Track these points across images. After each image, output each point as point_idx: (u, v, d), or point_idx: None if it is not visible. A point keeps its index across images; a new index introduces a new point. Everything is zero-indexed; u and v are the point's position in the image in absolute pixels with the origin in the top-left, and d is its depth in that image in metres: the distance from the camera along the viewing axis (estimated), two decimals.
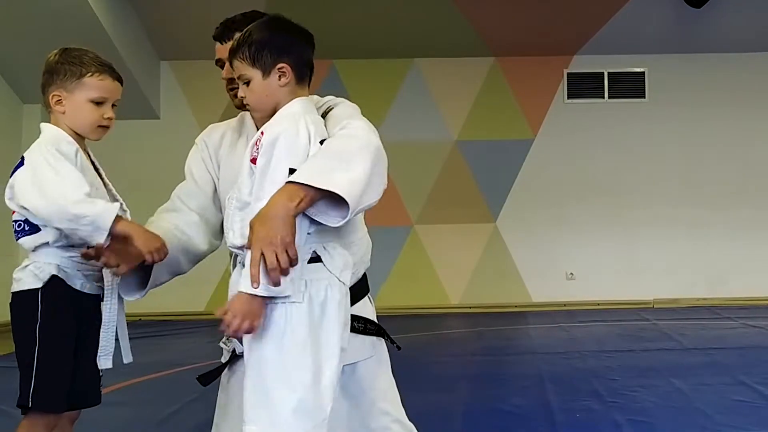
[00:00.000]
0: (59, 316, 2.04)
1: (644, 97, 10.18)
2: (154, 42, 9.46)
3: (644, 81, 10.17)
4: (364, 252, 2.20)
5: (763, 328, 7.34)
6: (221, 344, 2.18)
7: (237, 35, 2.06)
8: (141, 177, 8.47)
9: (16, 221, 2.07)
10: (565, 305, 9.67)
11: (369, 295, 2.23)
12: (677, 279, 9.78)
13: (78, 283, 2.08)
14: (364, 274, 2.22)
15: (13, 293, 2.08)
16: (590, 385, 4.67)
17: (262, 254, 1.73)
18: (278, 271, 1.74)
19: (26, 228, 2.06)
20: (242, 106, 2.08)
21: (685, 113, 10.08)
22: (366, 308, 2.19)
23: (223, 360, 2.18)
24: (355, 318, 2.07)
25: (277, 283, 1.75)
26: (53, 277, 2.05)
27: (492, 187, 10.02)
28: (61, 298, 2.05)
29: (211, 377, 2.15)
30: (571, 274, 9.94)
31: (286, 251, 1.74)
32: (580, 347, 6.42)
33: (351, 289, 2.03)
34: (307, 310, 1.82)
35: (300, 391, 1.78)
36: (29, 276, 2.06)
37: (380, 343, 2.21)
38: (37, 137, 2.11)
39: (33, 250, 2.08)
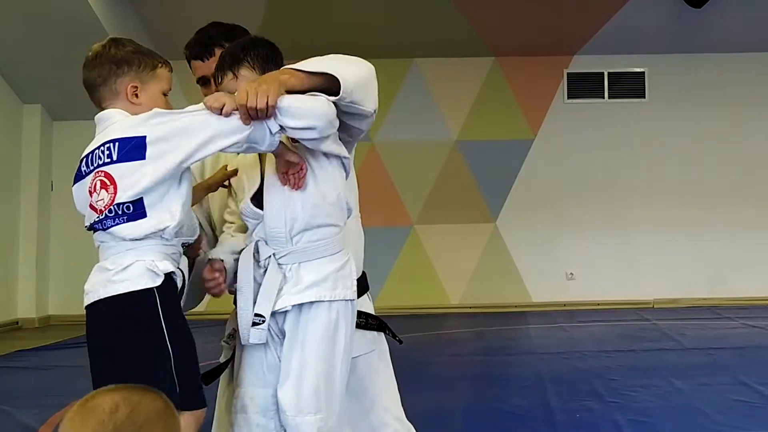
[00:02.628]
0: (179, 313, 1.92)
1: (644, 97, 10.17)
2: (154, 42, 9.45)
3: (644, 81, 10.16)
4: (348, 235, 2.21)
5: (763, 328, 7.34)
6: (222, 342, 2.18)
7: (218, 51, 2.15)
8: None
9: (121, 203, 1.88)
10: (565, 305, 9.66)
11: (368, 293, 2.25)
12: (677, 279, 9.77)
13: (178, 279, 1.95)
14: (363, 272, 2.23)
15: (113, 297, 1.86)
16: (590, 385, 4.68)
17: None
18: (249, 110, 1.80)
19: (133, 212, 1.88)
20: None
21: (685, 113, 10.08)
22: (365, 304, 2.21)
23: (223, 359, 2.18)
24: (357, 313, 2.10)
25: (245, 122, 1.82)
26: (168, 274, 1.89)
27: (492, 187, 10.02)
28: (172, 293, 1.91)
29: (211, 376, 2.15)
30: (571, 274, 9.93)
31: (267, 97, 1.79)
32: (580, 347, 6.42)
33: None
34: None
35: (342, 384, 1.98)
36: (141, 274, 1.86)
37: (381, 339, 2.22)
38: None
39: (134, 240, 1.89)
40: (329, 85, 1.93)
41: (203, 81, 2.23)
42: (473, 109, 10.12)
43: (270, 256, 1.95)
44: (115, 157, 1.89)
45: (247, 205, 1.99)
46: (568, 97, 10.17)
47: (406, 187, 9.92)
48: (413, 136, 9.80)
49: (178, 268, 1.94)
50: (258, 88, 1.82)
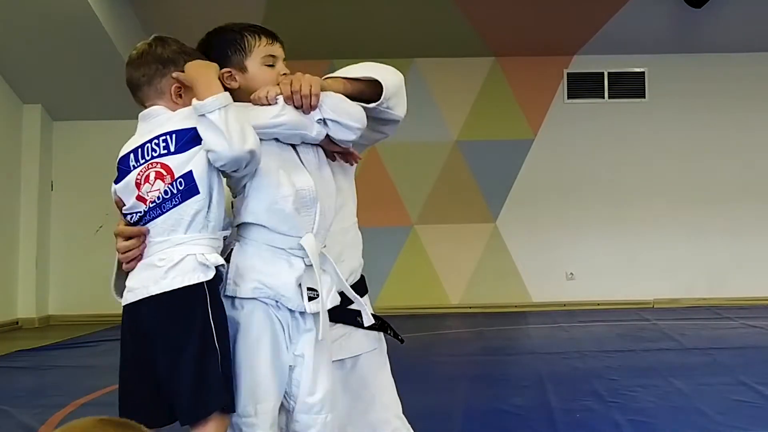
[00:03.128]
0: (223, 308, 1.89)
1: (644, 97, 10.17)
2: None
3: (644, 81, 10.16)
4: (350, 243, 2.22)
5: (763, 328, 7.34)
6: None
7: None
8: None
9: (174, 181, 1.86)
10: (565, 305, 9.67)
11: (367, 295, 2.26)
12: (677, 279, 9.78)
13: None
14: (362, 276, 2.24)
15: (167, 293, 1.83)
16: (590, 385, 4.67)
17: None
18: (294, 94, 1.92)
19: (185, 187, 1.87)
20: None
21: (685, 113, 10.08)
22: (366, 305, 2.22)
23: None
24: (358, 313, 2.13)
25: (299, 105, 1.94)
26: (218, 267, 1.87)
27: (492, 187, 10.02)
28: (217, 287, 1.88)
29: None
30: (571, 274, 9.93)
31: (311, 86, 1.93)
32: (580, 347, 6.42)
33: (351, 287, 2.11)
34: None
35: None
36: (194, 268, 1.83)
37: (381, 338, 2.24)
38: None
39: (184, 233, 1.87)
40: (369, 90, 2.06)
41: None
42: (473, 109, 10.12)
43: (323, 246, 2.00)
44: (172, 149, 1.90)
45: (309, 188, 1.97)
46: (568, 97, 10.17)
47: (406, 187, 9.93)
48: (413, 136, 9.78)
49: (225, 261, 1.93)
50: (302, 78, 1.95)
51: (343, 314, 2.13)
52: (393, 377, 2.25)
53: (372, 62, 2.18)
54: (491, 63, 10.15)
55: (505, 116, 10.11)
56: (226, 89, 1.97)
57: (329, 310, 1.99)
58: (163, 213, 1.89)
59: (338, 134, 2.00)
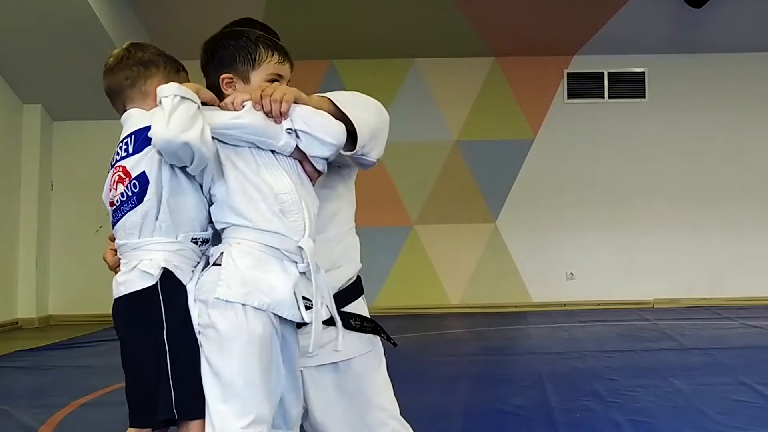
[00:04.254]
0: (186, 314, 1.93)
1: (644, 97, 10.17)
2: (154, 42, 9.45)
3: (644, 81, 10.16)
4: (346, 248, 2.22)
5: (763, 328, 7.34)
6: None
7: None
8: None
9: (129, 183, 1.90)
10: (565, 305, 9.67)
11: (363, 296, 2.27)
12: (677, 279, 9.78)
13: (184, 276, 1.94)
14: (359, 276, 2.24)
15: (120, 297, 1.91)
16: (590, 385, 4.67)
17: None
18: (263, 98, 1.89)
19: (139, 189, 1.89)
20: None
21: (685, 113, 10.08)
22: (360, 307, 2.22)
23: None
24: (351, 316, 2.14)
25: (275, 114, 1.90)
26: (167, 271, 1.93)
27: (492, 187, 10.02)
28: (177, 292, 1.92)
29: None
30: (571, 274, 9.93)
31: (284, 94, 1.89)
32: (580, 347, 6.42)
33: (346, 290, 2.11)
34: None
35: None
36: (141, 274, 1.89)
37: (376, 340, 2.24)
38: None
39: (139, 239, 1.90)
40: (349, 126, 2.00)
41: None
42: (473, 109, 10.12)
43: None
44: (131, 150, 1.91)
45: (289, 191, 1.94)
46: (568, 97, 10.17)
47: (406, 187, 9.93)
48: (413, 136, 9.80)
49: (197, 263, 1.92)
50: (277, 86, 1.93)
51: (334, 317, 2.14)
52: (393, 378, 2.25)
53: (360, 96, 2.11)
54: (491, 63, 10.15)
55: (505, 116, 10.11)
56: (217, 94, 1.98)
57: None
58: (122, 216, 1.91)
59: (310, 148, 1.93)
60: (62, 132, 9.74)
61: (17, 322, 9.19)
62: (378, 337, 2.24)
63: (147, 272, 1.86)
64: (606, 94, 10.17)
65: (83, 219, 9.41)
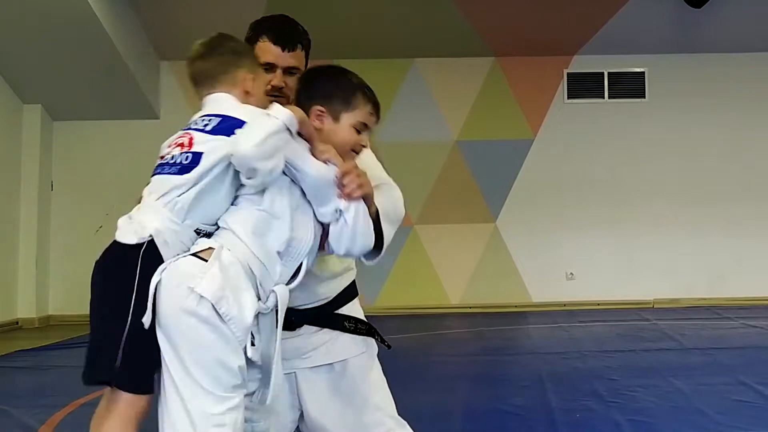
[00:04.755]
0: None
1: (644, 97, 10.17)
2: (154, 42, 9.46)
3: (644, 81, 10.16)
4: (350, 262, 2.26)
5: (763, 328, 7.34)
6: None
7: (299, 49, 2.23)
8: (139, 177, 8.46)
9: (183, 153, 1.93)
10: (565, 305, 9.67)
11: (357, 297, 2.29)
12: (677, 279, 9.78)
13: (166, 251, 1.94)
14: (353, 280, 2.26)
15: (114, 241, 1.92)
16: (590, 385, 4.67)
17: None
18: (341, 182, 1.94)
19: (189, 163, 1.92)
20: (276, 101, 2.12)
21: (685, 113, 10.08)
22: (354, 309, 2.24)
23: None
24: (345, 318, 2.17)
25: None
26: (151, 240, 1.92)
27: (492, 187, 10.02)
28: (158, 261, 1.90)
29: None
30: (571, 274, 9.93)
31: (364, 187, 1.97)
32: (580, 347, 6.42)
33: (341, 293, 2.14)
34: None
35: None
36: (134, 230, 1.90)
37: (371, 341, 2.25)
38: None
39: (157, 199, 1.92)
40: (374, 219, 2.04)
41: (269, 67, 2.21)
42: (473, 109, 10.12)
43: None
44: (208, 128, 1.94)
45: (305, 241, 1.96)
46: (568, 97, 10.17)
47: (406, 187, 9.66)
48: (413, 136, 9.80)
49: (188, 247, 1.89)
50: (363, 174, 1.97)
51: (328, 319, 2.15)
52: (394, 377, 2.25)
53: (398, 201, 2.22)
54: (491, 63, 10.15)
55: (505, 116, 10.11)
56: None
57: (315, 316, 2.08)
58: (158, 173, 1.94)
59: (338, 238, 1.95)
60: (62, 132, 9.74)
61: (17, 322, 9.19)
62: (372, 340, 2.25)
63: (139, 233, 1.85)
64: (606, 94, 10.17)
65: (83, 219, 9.41)
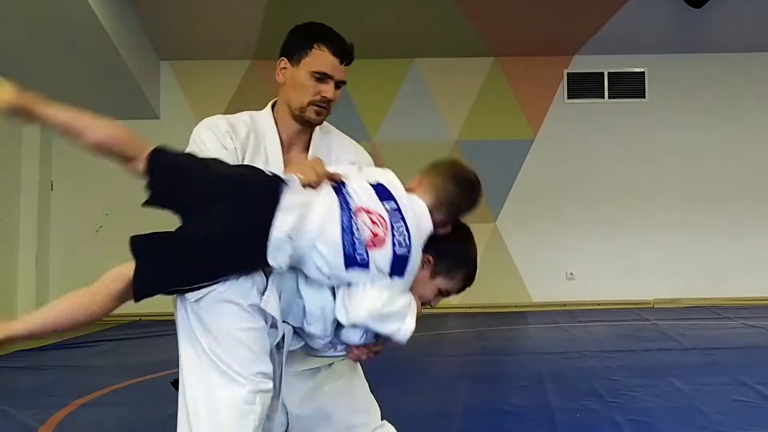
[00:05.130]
0: None
1: (644, 97, 10.17)
2: (154, 42, 9.45)
3: (644, 81, 10.16)
4: None
5: (763, 328, 7.34)
6: None
7: (350, 63, 2.27)
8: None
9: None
10: (565, 305, 9.67)
11: None
12: (677, 279, 9.77)
13: None
14: None
15: None
16: (590, 385, 4.67)
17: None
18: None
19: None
20: (317, 122, 2.22)
21: (685, 113, 10.08)
22: None
23: None
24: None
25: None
26: None
27: (492, 187, 9.99)
28: None
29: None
30: (571, 274, 9.93)
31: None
32: (580, 347, 6.42)
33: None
34: None
35: None
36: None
37: None
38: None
39: None
40: None
41: (322, 76, 2.21)
42: (473, 109, 10.12)
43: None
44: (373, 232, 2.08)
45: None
46: (568, 97, 10.17)
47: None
48: (413, 136, 9.80)
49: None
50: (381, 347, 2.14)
51: None
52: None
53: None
54: (491, 63, 10.15)
55: (505, 116, 10.11)
56: None
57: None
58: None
59: (349, 334, 2.01)
60: None
61: None
62: None
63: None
64: (606, 94, 10.17)
65: (83, 219, 9.41)
